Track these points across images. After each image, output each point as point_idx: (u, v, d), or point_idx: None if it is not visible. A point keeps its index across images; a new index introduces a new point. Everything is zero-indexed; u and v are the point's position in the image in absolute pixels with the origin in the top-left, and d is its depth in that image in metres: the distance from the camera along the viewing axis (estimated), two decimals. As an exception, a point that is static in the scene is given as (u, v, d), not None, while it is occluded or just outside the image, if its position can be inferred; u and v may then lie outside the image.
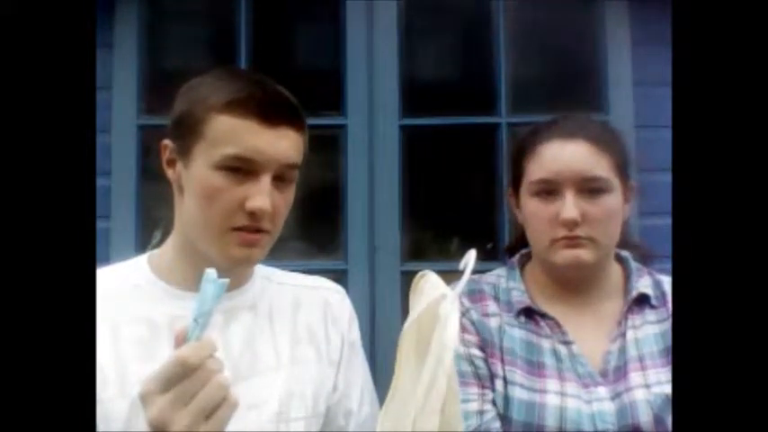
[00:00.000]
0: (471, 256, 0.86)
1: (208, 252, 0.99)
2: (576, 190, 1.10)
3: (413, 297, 0.89)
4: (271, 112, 0.96)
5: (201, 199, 0.97)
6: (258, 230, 0.97)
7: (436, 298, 0.84)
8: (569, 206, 1.09)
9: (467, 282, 0.83)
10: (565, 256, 1.11)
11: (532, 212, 1.14)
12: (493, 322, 1.15)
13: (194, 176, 0.97)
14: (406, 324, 0.86)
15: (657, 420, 1.05)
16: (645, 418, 1.05)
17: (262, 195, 0.95)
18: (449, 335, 0.80)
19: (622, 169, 1.15)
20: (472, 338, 1.14)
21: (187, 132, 0.98)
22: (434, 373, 0.80)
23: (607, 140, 1.14)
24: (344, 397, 1.09)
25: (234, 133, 0.95)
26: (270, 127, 0.96)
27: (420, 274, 0.89)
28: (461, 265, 0.86)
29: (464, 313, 1.14)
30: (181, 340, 0.79)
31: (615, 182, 1.13)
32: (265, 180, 0.96)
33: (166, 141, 1.02)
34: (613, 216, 1.13)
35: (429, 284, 0.87)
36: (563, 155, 1.12)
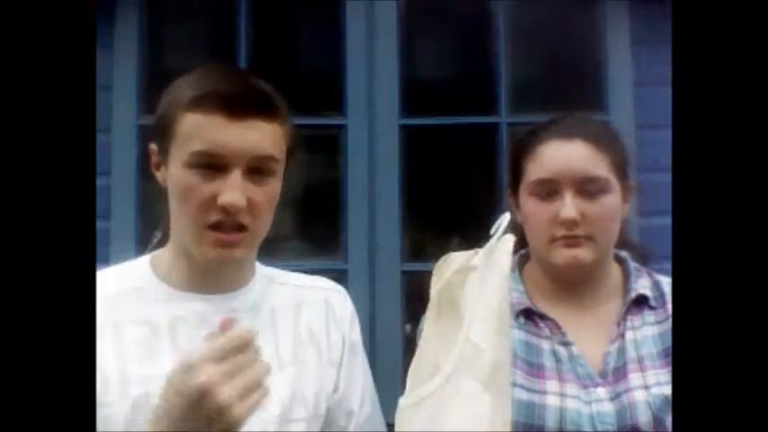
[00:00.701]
0: (505, 219, 0.91)
1: (192, 251, 0.99)
2: (575, 190, 1.10)
3: (436, 276, 0.98)
4: (236, 106, 0.94)
5: (178, 198, 0.97)
6: (237, 229, 0.96)
7: (466, 258, 0.95)
8: (568, 206, 1.09)
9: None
10: (564, 255, 1.11)
11: (531, 212, 1.14)
12: (493, 322, 1.15)
13: (171, 177, 0.98)
14: (433, 293, 0.98)
15: (657, 421, 1.05)
16: (644, 418, 1.05)
17: (231, 190, 0.94)
18: (503, 263, 0.91)
19: (621, 169, 1.15)
20: (472, 338, 1.14)
21: (163, 134, 0.98)
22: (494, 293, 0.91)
23: (606, 140, 1.14)
24: (345, 397, 1.09)
25: (199, 129, 0.94)
26: (236, 120, 0.94)
27: (442, 258, 0.98)
28: (493, 229, 0.94)
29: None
30: (228, 325, 0.84)
31: (614, 181, 1.13)
32: (235, 174, 0.95)
33: (152, 145, 1.02)
34: (612, 216, 1.13)
35: (453, 256, 0.98)
36: (562, 155, 1.12)
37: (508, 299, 0.92)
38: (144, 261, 1.06)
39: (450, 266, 0.97)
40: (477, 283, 0.93)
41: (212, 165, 0.95)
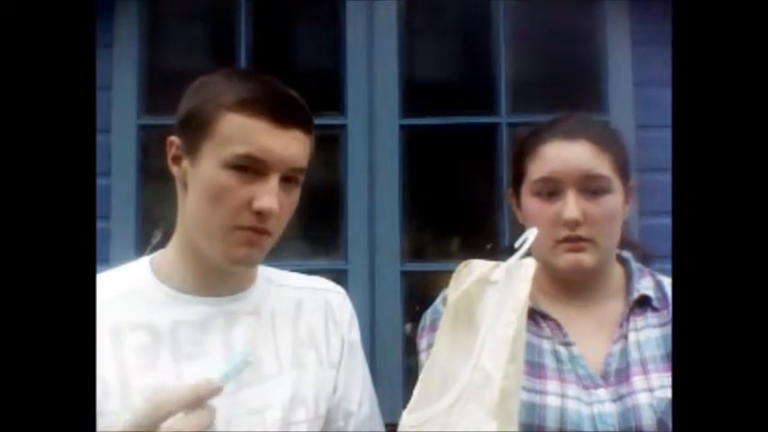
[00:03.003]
0: (532, 233, 0.90)
1: (209, 252, 0.98)
2: (578, 190, 1.10)
3: (455, 281, 0.96)
4: (283, 114, 0.96)
5: (208, 197, 0.96)
6: (262, 231, 0.97)
7: (487, 269, 0.93)
8: (571, 206, 1.09)
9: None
10: (567, 259, 1.11)
11: (534, 212, 1.14)
12: (493, 322, 1.15)
13: (201, 175, 0.97)
14: (450, 300, 0.95)
15: (660, 424, 1.05)
16: (648, 421, 1.05)
17: (270, 195, 0.95)
18: (522, 290, 0.87)
19: (623, 169, 1.15)
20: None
21: (196, 130, 0.97)
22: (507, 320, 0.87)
23: (608, 140, 1.14)
24: (344, 398, 1.09)
25: (245, 132, 0.95)
26: (281, 128, 0.96)
27: (463, 263, 0.96)
28: (518, 243, 0.93)
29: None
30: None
31: (616, 182, 1.12)
32: (273, 181, 0.96)
33: (173, 138, 1.01)
34: (614, 216, 1.13)
35: (475, 264, 0.95)
36: (565, 154, 1.11)
37: (525, 326, 0.89)
38: (144, 262, 1.05)
39: (471, 274, 0.95)
40: (495, 301, 0.90)
41: (252, 168, 0.95)
